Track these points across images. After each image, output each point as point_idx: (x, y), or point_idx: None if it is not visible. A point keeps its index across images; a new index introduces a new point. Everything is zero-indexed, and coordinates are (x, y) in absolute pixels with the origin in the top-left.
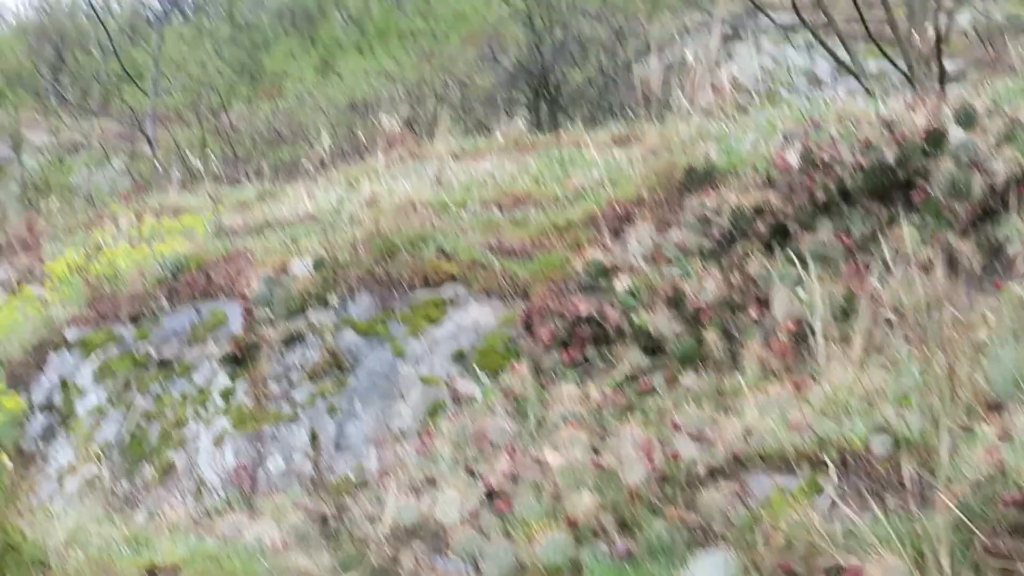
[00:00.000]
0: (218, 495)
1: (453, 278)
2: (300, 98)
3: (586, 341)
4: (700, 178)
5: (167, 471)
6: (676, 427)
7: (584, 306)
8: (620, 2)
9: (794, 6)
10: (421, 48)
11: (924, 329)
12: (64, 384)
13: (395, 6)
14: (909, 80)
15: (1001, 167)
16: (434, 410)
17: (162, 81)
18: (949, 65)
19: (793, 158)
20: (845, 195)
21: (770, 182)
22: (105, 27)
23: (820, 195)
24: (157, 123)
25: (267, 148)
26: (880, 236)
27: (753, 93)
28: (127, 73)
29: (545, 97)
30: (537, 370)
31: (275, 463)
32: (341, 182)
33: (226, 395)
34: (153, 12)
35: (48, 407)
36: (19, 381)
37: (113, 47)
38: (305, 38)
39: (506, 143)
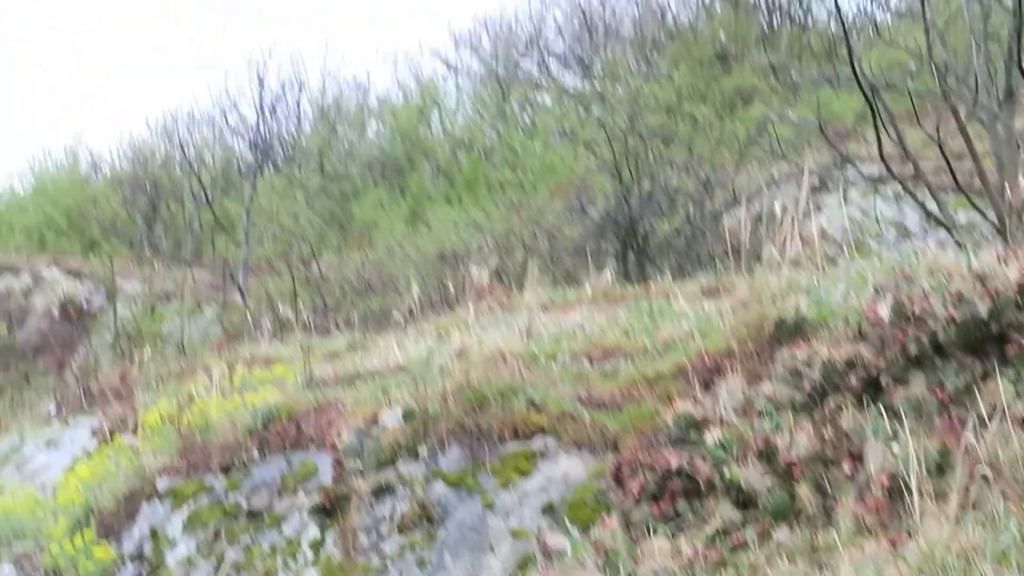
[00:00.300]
0: None
1: (543, 430)
2: (389, 248)
3: (677, 494)
4: (790, 330)
5: None
6: None
7: (674, 459)
8: (707, 153)
9: (882, 157)
10: (509, 199)
11: (1022, 485)
12: (154, 534)
13: (483, 157)
14: (1000, 232)
15: None
16: (524, 563)
17: (254, 231)
18: None
19: (884, 311)
20: (938, 349)
21: (862, 335)
22: (199, 178)
23: (912, 348)
24: (249, 272)
25: (357, 298)
26: (974, 390)
27: (842, 244)
28: (220, 223)
29: (633, 248)
30: (627, 523)
31: None
32: (431, 333)
33: (315, 547)
34: (245, 163)
35: (138, 557)
36: (110, 531)
37: (206, 198)
38: (394, 188)
39: (595, 294)
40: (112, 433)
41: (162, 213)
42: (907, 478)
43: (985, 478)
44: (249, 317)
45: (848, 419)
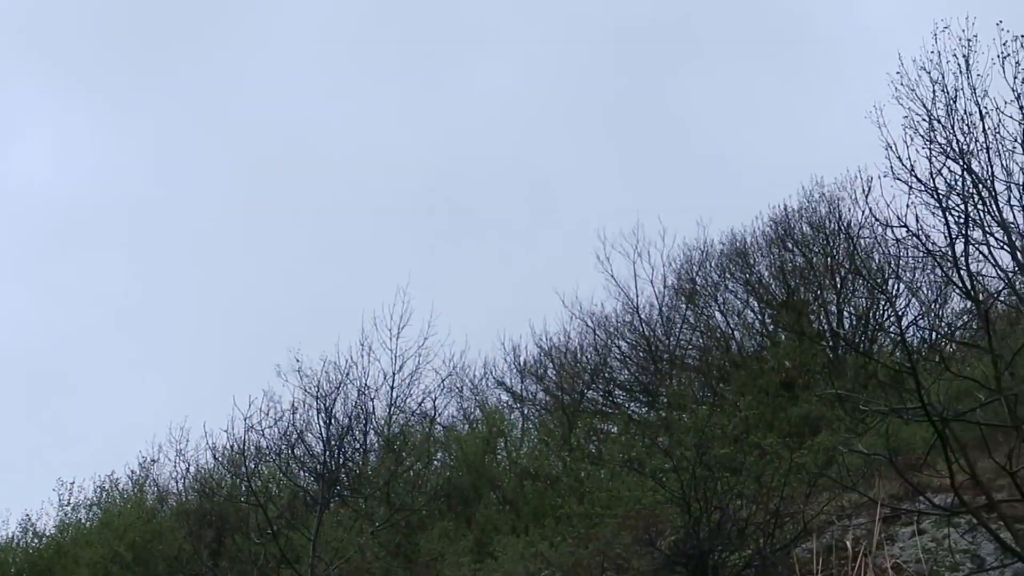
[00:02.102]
0: None
1: None
2: None
3: None
4: None
5: None
6: None
7: None
8: (776, 483)
9: (954, 488)
10: (576, 530)
11: None
12: None
13: (549, 487)
14: None
15: None
16: None
17: (319, 564)
18: None
19: None
20: None
21: None
22: (265, 511)
23: None
24: None
25: None
26: None
27: None
28: (285, 557)
29: None
30: None
31: None
32: None
33: None
34: (311, 495)
35: None
36: None
37: (272, 531)
38: (460, 519)
39: None
40: None
41: (227, 546)
42: None
43: None
44: None
45: None
